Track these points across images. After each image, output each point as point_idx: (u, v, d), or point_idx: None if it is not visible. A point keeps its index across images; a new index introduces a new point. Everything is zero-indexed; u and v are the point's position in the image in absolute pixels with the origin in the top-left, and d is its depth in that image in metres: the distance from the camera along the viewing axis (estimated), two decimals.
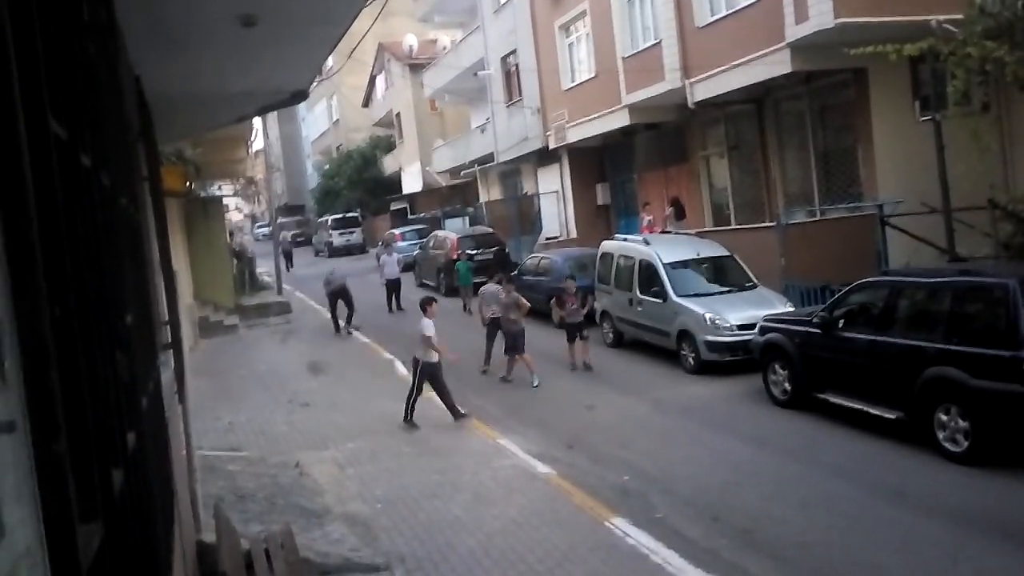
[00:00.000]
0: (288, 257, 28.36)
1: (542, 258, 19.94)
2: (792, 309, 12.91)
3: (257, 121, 22.00)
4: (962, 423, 8.32)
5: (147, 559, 1.88)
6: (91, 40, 1.98)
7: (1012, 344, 7.99)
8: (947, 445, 8.45)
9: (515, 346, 13.04)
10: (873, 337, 9.57)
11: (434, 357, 11.06)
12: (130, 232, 2.88)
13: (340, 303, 19.34)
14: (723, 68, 16.92)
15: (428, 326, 11.07)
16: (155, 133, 6.80)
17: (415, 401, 11.06)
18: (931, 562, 6.49)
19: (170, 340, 6.01)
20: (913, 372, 8.80)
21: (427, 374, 11.03)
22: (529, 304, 13.47)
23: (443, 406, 11.27)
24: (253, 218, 57.58)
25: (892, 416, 9.15)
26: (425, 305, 11.37)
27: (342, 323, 19.30)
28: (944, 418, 8.49)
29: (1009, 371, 7.93)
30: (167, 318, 6.04)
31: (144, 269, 3.55)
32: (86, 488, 1.16)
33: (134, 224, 3.23)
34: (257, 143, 30.75)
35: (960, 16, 11.70)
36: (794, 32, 14.65)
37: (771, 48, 15.33)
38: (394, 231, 34.48)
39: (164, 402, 4.19)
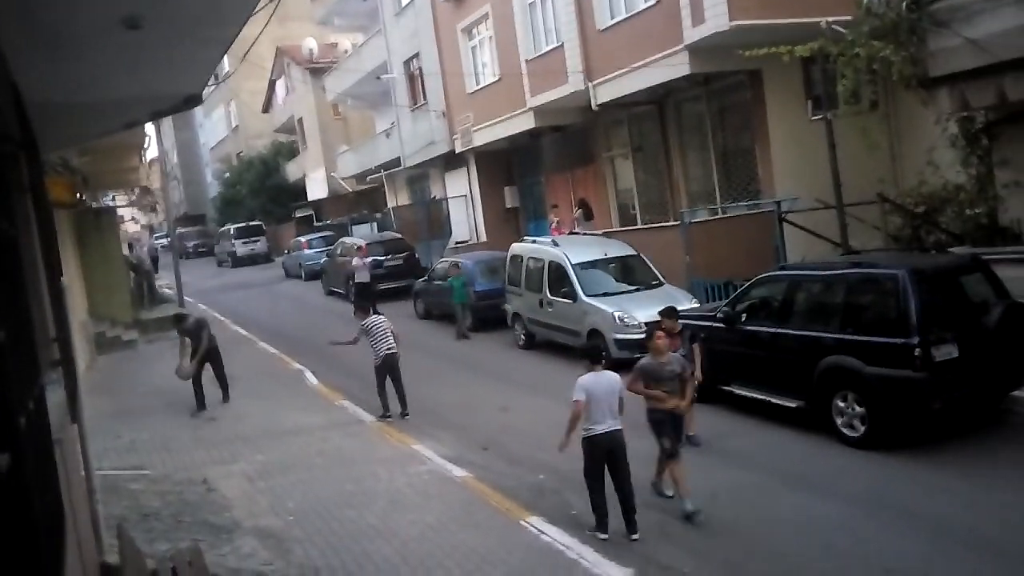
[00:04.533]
0: (154, 262, 28.02)
1: (452, 262, 19.89)
2: (697, 305, 13.24)
3: (151, 128, 21.15)
4: (858, 409, 8.69)
5: None
6: None
7: (903, 332, 8.39)
8: (845, 431, 8.82)
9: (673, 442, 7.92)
10: (773, 330, 9.91)
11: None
12: (1, 248, 2.71)
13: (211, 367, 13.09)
14: (624, 70, 17.25)
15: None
16: (38, 143, 6.46)
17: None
18: (835, 545, 6.75)
19: (59, 357, 5.70)
20: (811, 362, 9.14)
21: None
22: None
23: None
24: (151, 229, 55.53)
25: (793, 405, 9.50)
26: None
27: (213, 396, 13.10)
28: (841, 405, 8.86)
29: (901, 358, 8.33)
30: (55, 335, 5.74)
31: (19, 285, 3.35)
32: None
33: (6, 239, 3.04)
34: (152, 151, 29.69)
35: (848, 17, 12.21)
36: (691, 35, 15.05)
37: (670, 51, 15.72)
38: (300, 238, 33.82)
39: (52, 422, 3.97)
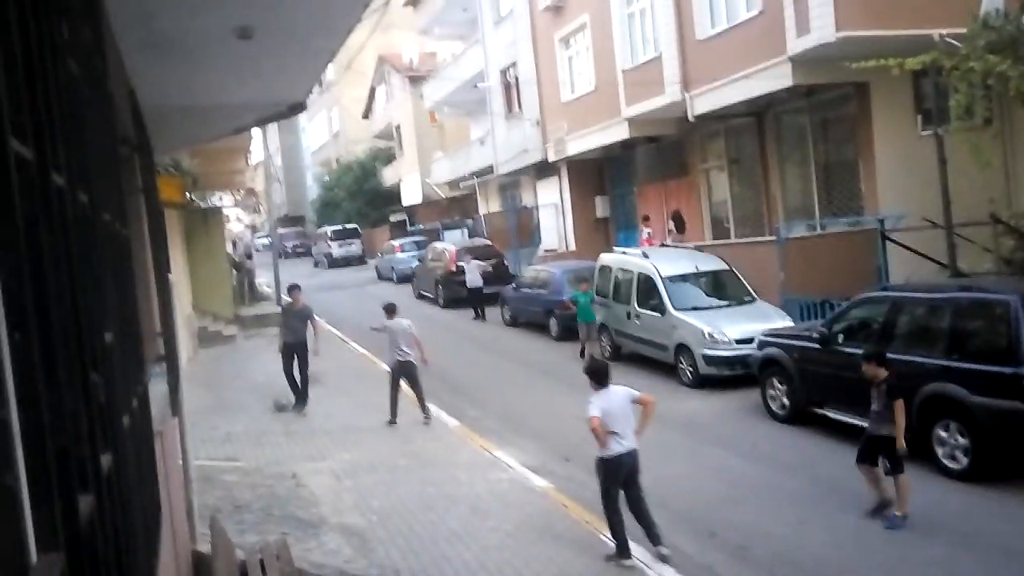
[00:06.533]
0: (248, 256, 29.54)
1: (540, 271, 19.92)
2: (791, 324, 12.86)
3: (257, 132, 21.98)
4: (962, 440, 8.27)
5: None
6: (73, 58, 1.97)
7: (1013, 361, 7.94)
8: (946, 462, 8.39)
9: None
10: None
11: None
12: (114, 248, 2.85)
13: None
14: (724, 81, 16.94)
15: None
16: (151, 144, 6.79)
17: None
18: None
19: (164, 352, 5.98)
20: (912, 388, 8.72)
21: None
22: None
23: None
24: (254, 228, 57.69)
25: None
26: None
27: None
28: (943, 435, 8.44)
29: (1010, 388, 7.88)
30: (161, 330, 6.02)
31: (130, 284, 3.53)
32: (45, 518, 1.14)
33: (119, 239, 3.21)
34: (257, 154, 30.94)
35: (963, 30, 11.69)
36: (795, 45, 14.67)
37: (772, 62, 15.35)
38: (393, 242, 34.52)
39: (153, 416, 4.16)
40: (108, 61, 3.43)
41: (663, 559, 6.87)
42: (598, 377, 7.24)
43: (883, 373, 7.67)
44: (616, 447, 6.94)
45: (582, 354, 15.48)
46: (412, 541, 7.59)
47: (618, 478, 7.00)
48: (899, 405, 7.41)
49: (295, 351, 13.01)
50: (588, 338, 15.68)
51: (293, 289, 13.81)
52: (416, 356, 11.81)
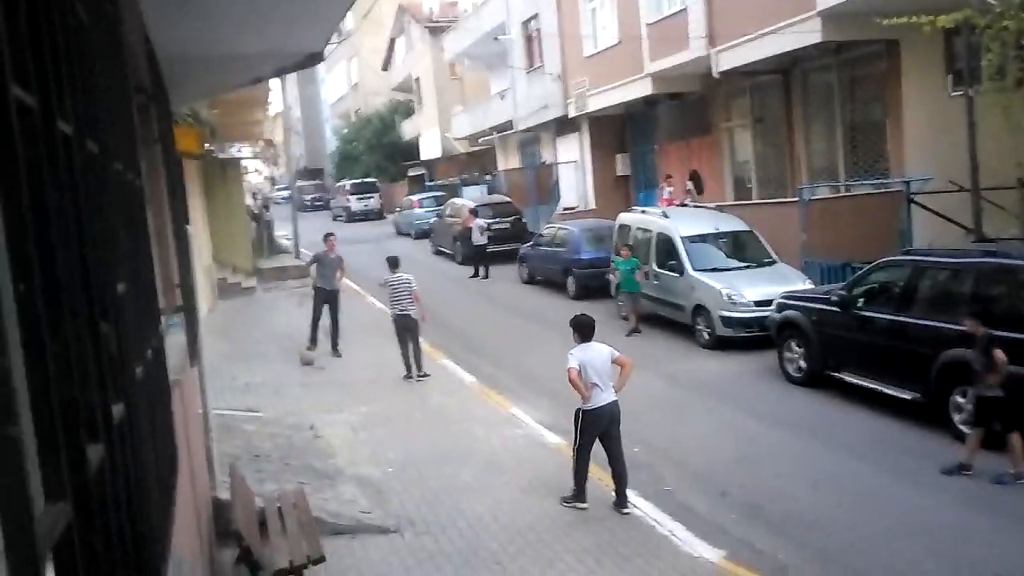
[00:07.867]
0: (266, 208, 29.73)
1: (559, 228, 19.81)
2: (811, 286, 12.76)
3: (276, 83, 21.84)
4: None
5: (134, 530, 1.87)
6: (82, 3, 1.93)
7: None
8: (963, 427, 8.32)
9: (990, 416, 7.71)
10: (892, 317, 9.44)
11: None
12: (125, 198, 2.84)
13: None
14: (751, 36, 16.55)
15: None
16: (168, 94, 6.75)
17: None
18: (942, 544, 6.45)
19: (182, 303, 6.02)
20: (932, 354, 8.67)
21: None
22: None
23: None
24: (272, 181, 57.68)
25: (908, 397, 9.07)
26: None
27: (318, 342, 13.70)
28: (961, 400, 8.39)
29: None
30: (179, 280, 6.05)
31: (143, 235, 3.52)
32: (52, 468, 1.14)
33: (132, 189, 3.19)
34: (276, 105, 30.81)
35: None
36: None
37: (801, 16, 14.97)
38: (411, 197, 34.40)
39: (172, 366, 4.19)
40: (121, 7, 3.38)
41: (622, 513, 7.17)
42: (583, 331, 7.42)
43: (981, 329, 7.71)
44: (597, 398, 7.15)
45: (635, 329, 14.09)
46: (426, 493, 7.70)
47: (596, 430, 7.23)
48: (998, 354, 7.48)
49: (327, 298, 13.56)
50: (632, 309, 14.40)
51: (328, 236, 14.21)
52: (417, 311, 11.90)
